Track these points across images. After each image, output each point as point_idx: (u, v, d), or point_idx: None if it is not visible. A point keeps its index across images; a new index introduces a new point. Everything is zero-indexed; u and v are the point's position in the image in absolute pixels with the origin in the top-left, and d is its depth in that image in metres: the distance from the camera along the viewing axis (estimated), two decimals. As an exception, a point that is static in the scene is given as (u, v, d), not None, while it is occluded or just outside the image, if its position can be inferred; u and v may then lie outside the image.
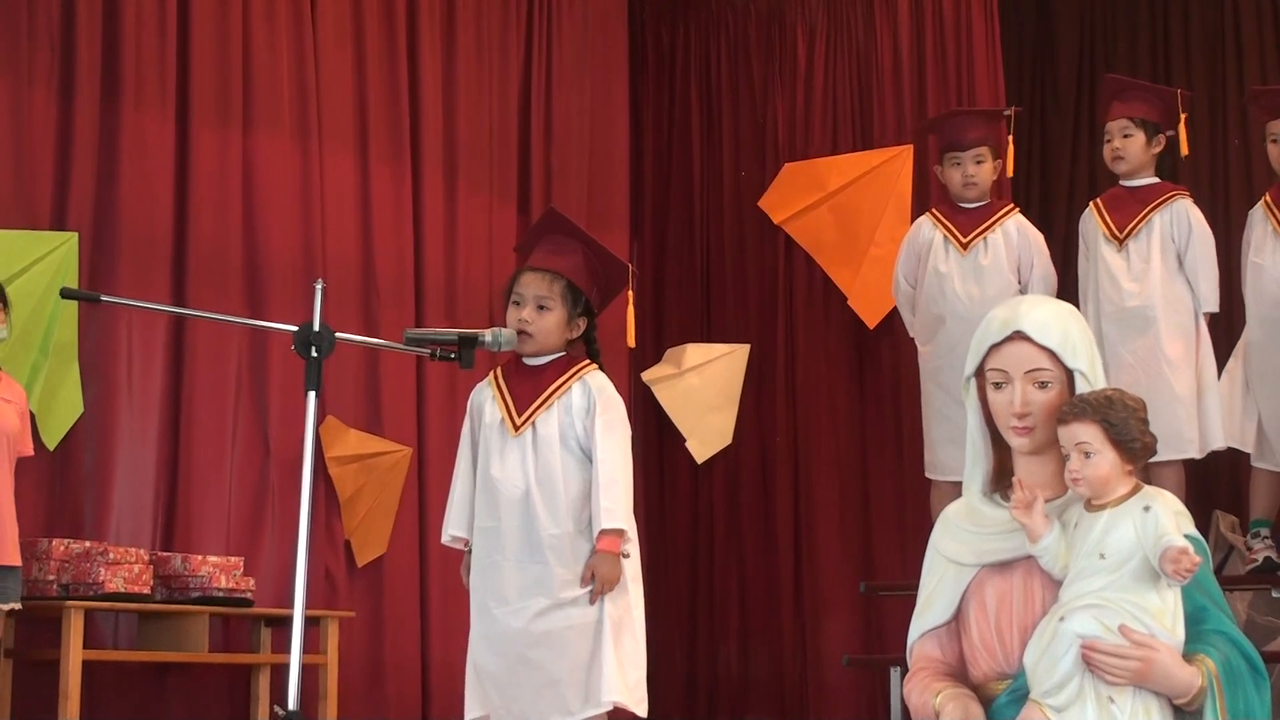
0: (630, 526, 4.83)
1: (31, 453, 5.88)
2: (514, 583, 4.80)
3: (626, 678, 4.80)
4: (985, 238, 6.79)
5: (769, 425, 8.43)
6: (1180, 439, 6.26)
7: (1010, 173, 7.12)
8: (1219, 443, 6.35)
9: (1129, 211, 6.51)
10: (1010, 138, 7.01)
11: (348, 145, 7.57)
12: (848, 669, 7.63)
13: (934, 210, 7.03)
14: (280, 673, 6.81)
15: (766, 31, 8.75)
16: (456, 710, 7.13)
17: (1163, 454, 6.00)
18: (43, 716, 6.06)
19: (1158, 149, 6.58)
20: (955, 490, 6.30)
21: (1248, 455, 6.46)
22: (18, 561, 5.65)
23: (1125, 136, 6.54)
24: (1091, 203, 6.70)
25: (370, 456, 7.33)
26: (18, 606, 5.68)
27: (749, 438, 8.45)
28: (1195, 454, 6.35)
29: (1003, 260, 6.76)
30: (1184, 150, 6.60)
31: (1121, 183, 6.60)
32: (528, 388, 4.87)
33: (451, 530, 4.97)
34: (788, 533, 8.28)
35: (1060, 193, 8.95)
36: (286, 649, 5.96)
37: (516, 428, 4.84)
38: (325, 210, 7.41)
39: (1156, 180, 6.59)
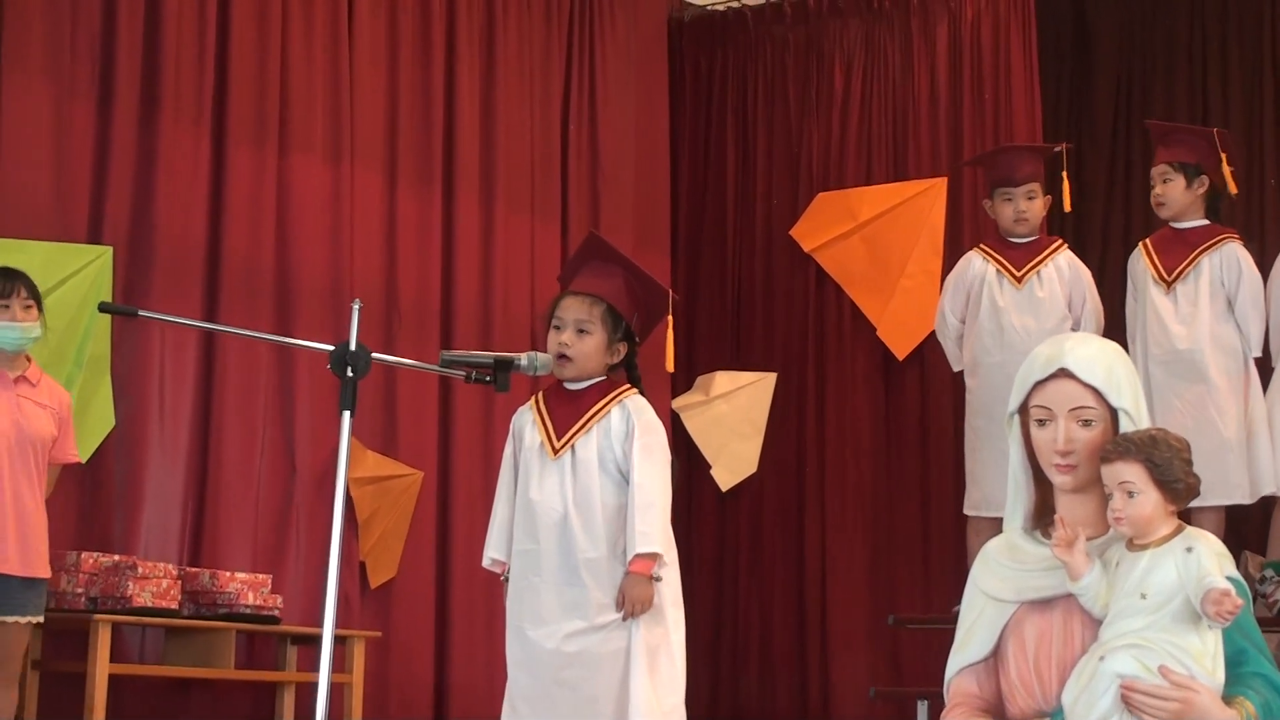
0: (668, 551, 4.82)
1: (76, 458, 5.84)
2: (551, 605, 4.80)
3: (661, 704, 4.78)
4: (1039, 271, 6.80)
5: (795, 454, 8.42)
6: (1227, 484, 6.25)
7: (1068, 207, 7.12)
8: (1270, 487, 6.33)
9: (1178, 254, 6.51)
10: (1065, 174, 7.01)
11: (381, 167, 7.58)
12: (871, 701, 7.59)
13: (983, 245, 7.02)
14: (305, 691, 6.82)
15: (804, 61, 8.75)
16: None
17: (1211, 499, 6.04)
18: (69, 729, 6.08)
19: (1201, 190, 6.57)
20: (992, 525, 6.35)
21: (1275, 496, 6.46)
22: (46, 574, 5.65)
23: (1165, 182, 6.56)
24: (1141, 244, 6.71)
25: (386, 479, 7.33)
26: (39, 620, 5.67)
27: (775, 466, 8.44)
28: (1245, 499, 6.35)
29: (1058, 293, 6.77)
30: (1232, 189, 6.59)
31: (1171, 225, 6.60)
32: (568, 411, 4.87)
33: (491, 553, 4.98)
34: (812, 562, 8.27)
35: (1095, 231, 8.92)
36: (312, 667, 5.96)
37: (555, 451, 4.85)
38: (354, 232, 7.41)
39: (1206, 222, 6.58)
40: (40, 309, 5.58)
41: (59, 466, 5.72)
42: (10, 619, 5.47)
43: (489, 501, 7.54)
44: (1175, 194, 6.55)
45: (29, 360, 5.61)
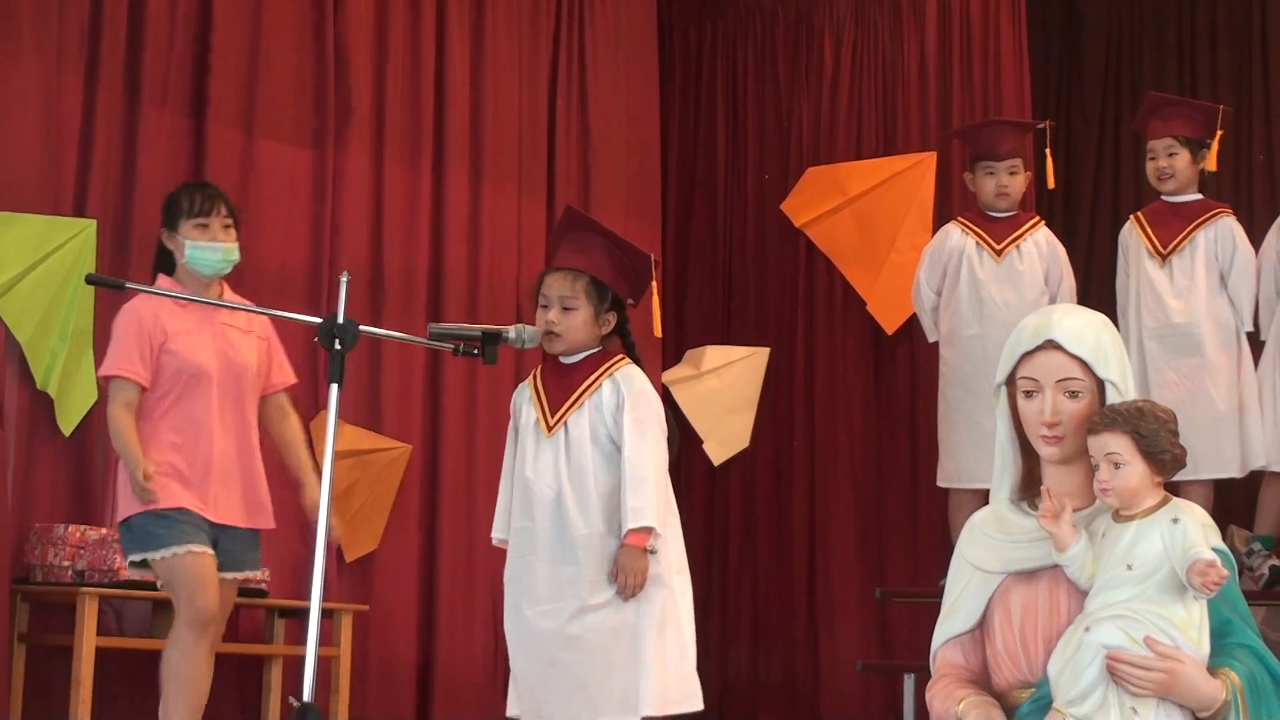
0: (667, 521, 4.83)
1: (294, 380, 5.50)
2: (547, 583, 4.81)
3: (668, 676, 4.77)
4: (1018, 245, 6.84)
5: (786, 429, 8.41)
6: (1222, 457, 6.29)
7: (1051, 184, 7.14)
8: (1259, 461, 6.37)
9: (1173, 227, 6.54)
10: (1048, 150, 7.03)
11: (368, 141, 7.54)
12: (859, 674, 7.61)
13: (961, 218, 7.05)
14: (293, 664, 6.81)
15: (793, 35, 8.73)
16: (460, 710, 7.15)
17: (1204, 472, 6.12)
18: (55, 702, 6.06)
19: (1201, 165, 6.60)
20: (974, 498, 6.36)
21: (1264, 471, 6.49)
22: (270, 524, 5.30)
23: (1171, 155, 6.58)
24: (1132, 216, 6.73)
25: (366, 453, 7.28)
26: (255, 575, 5.34)
27: (766, 441, 8.43)
28: (1236, 473, 6.39)
29: (1036, 268, 6.81)
30: (1212, 165, 6.62)
31: (1164, 198, 6.62)
32: (561, 387, 4.89)
33: (495, 533, 5.03)
34: (802, 537, 8.27)
35: (1084, 205, 8.94)
36: (300, 640, 5.94)
37: (550, 428, 4.86)
38: (340, 205, 7.37)
39: (1200, 197, 6.63)
40: (238, 229, 5.23)
41: (283, 394, 5.42)
42: (230, 575, 5.21)
43: (475, 476, 7.55)
44: (1182, 167, 6.58)
45: (224, 285, 5.32)
